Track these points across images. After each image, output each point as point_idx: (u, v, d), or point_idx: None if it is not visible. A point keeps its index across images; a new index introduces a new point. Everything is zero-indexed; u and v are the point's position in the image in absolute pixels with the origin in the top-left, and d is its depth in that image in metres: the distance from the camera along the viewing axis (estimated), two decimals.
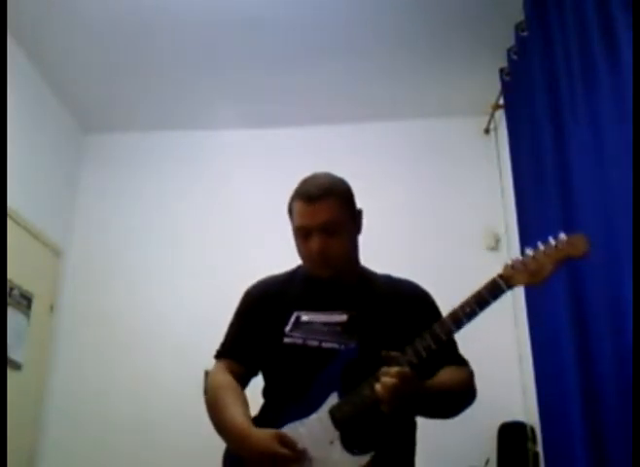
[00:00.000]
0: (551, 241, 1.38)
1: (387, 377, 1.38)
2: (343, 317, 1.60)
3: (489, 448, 3.07)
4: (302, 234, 1.64)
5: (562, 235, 1.38)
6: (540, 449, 2.79)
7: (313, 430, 1.48)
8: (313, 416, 1.49)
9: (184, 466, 3.26)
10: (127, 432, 3.45)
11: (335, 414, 1.47)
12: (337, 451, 1.45)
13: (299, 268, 1.77)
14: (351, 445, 1.46)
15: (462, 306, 1.42)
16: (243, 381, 1.65)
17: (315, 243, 1.60)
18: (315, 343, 1.58)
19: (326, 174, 1.72)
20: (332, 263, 1.62)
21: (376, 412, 1.42)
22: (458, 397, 1.59)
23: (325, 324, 1.60)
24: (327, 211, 1.60)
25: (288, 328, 1.61)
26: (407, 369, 1.39)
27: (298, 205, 1.65)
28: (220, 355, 1.70)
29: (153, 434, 3.43)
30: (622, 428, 1.85)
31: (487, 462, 3.04)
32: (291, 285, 1.73)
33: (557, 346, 2.39)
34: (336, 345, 1.56)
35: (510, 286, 1.40)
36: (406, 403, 1.40)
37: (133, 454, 3.39)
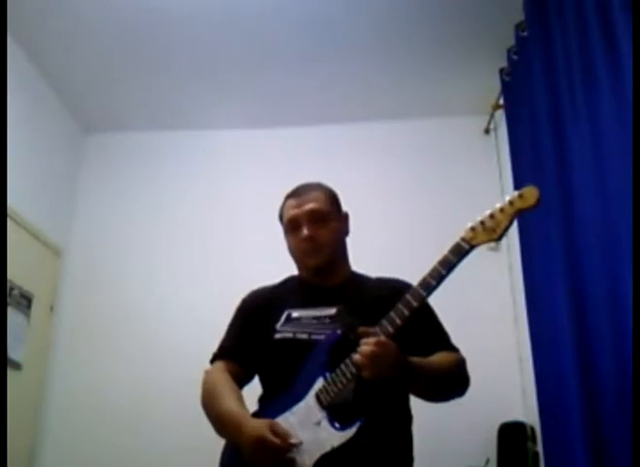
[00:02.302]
0: (506, 199, 1.48)
1: (365, 346, 1.41)
2: (332, 311, 1.64)
3: (489, 448, 3.07)
4: (292, 228, 1.73)
5: (514, 192, 1.48)
6: (540, 448, 2.79)
7: (301, 416, 1.49)
8: (301, 404, 1.51)
9: (183, 465, 3.26)
10: (128, 432, 3.45)
11: (320, 396, 1.49)
12: (325, 430, 1.46)
13: (291, 277, 1.84)
14: (340, 421, 1.46)
15: (430, 272, 1.49)
16: (239, 381, 1.66)
17: (304, 231, 1.69)
18: (305, 336, 1.61)
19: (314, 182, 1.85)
20: (321, 250, 1.69)
21: (359, 384, 1.45)
22: (446, 377, 1.60)
23: (315, 318, 1.64)
24: (313, 201, 1.73)
25: (279, 324, 1.65)
26: (383, 337, 1.42)
27: (287, 202, 1.79)
28: (216, 358, 1.73)
29: (153, 434, 3.42)
30: (623, 428, 1.85)
31: (487, 462, 3.04)
32: (283, 290, 1.79)
33: (557, 346, 2.39)
34: (324, 337, 1.58)
35: (472, 246, 1.49)
36: (385, 369, 1.41)
37: (134, 454, 3.38)
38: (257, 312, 1.74)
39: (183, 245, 3.84)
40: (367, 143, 3.95)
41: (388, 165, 3.88)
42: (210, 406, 1.59)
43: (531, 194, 1.47)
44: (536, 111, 2.72)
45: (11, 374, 3.14)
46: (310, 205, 1.72)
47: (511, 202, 1.47)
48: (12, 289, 3.25)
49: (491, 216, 1.49)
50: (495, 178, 3.69)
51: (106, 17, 3.20)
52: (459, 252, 1.48)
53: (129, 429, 3.46)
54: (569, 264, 2.33)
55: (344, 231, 1.81)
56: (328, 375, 1.50)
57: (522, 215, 1.51)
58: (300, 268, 1.80)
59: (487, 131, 3.85)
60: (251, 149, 4.03)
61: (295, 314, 1.66)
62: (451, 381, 1.61)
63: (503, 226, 1.48)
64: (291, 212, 1.74)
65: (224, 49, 3.41)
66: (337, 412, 1.47)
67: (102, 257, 3.88)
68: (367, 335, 1.44)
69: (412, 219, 3.73)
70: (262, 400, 1.68)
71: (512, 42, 3.06)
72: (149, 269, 3.82)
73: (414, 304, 1.45)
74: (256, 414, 1.55)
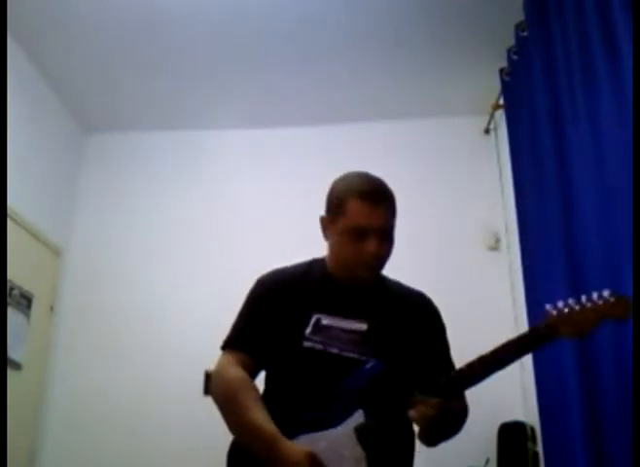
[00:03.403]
0: (596, 297, 1.36)
1: (426, 408, 1.37)
2: (363, 326, 1.57)
3: (489, 448, 3.07)
4: (354, 234, 1.58)
5: (607, 292, 1.35)
6: (540, 448, 2.79)
7: (338, 446, 1.44)
8: (337, 431, 1.45)
9: (184, 466, 3.26)
10: (127, 432, 3.45)
11: (361, 434, 1.44)
12: None
13: (314, 262, 1.72)
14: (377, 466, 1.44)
15: (504, 346, 1.39)
16: (252, 376, 1.59)
17: (371, 246, 1.56)
18: (335, 351, 1.54)
19: (371, 175, 1.70)
20: (378, 267, 1.62)
21: (406, 436, 1.44)
22: (461, 425, 1.60)
23: (344, 331, 1.57)
24: (386, 215, 1.61)
25: (308, 330, 1.57)
26: (443, 401, 1.38)
27: (355, 204, 1.59)
28: (229, 346, 1.63)
29: (153, 434, 3.42)
30: (622, 428, 1.85)
31: (487, 462, 3.04)
32: (307, 282, 1.66)
33: (557, 346, 2.39)
34: (356, 355, 1.54)
35: (556, 336, 1.38)
36: (441, 432, 1.42)
37: (133, 455, 3.38)
38: (277, 303, 1.62)
39: (183, 245, 3.84)
40: (367, 143, 3.94)
41: (388, 165, 3.83)
42: (231, 410, 1.51)
43: (626, 305, 1.35)
44: (536, 111, 2.72)
45: (11, 374, 3.14)
46: (383, 221, 1.60)
47: (605, 305, 1.35)
48: (12, 289, 3.25)
49: (581, 311, 1.36)
50: (495, 178, 3.69)
51: (106, 17, 3.20)
52: (539, 341, 1.40)
53: (129, 429, 3.46)
54: (569, 263, 2.33)
55: None
56: (369, 409, 1.45)
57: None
58: (341, 268, 1.65)
59: (487, 131, 3.85)
60: (251, 149, 4.02)
61: (324, 322, 1.57)
62: (460, 430, 1.61)
63: (591, 326, 1.36)
64: (361, 221, 1.57)
65: (224, 49, 3.41)
66: (376, 456, 1.43)
67: (102, 257, 3.88)
68: (425, 389, 1.40)
69: (412, 219, 3.71)
70: (281, 403, 1.59)
71: (512, 42, 3.06)
72: (149, 268, 3.82)
73: (482, 375, 1.40)
74: (279, 420, 1.46)
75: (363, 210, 1.58)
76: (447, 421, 1.41)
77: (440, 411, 1.37)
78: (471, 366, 1.41)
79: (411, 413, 1.38)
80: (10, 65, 3.20)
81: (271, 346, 1.60)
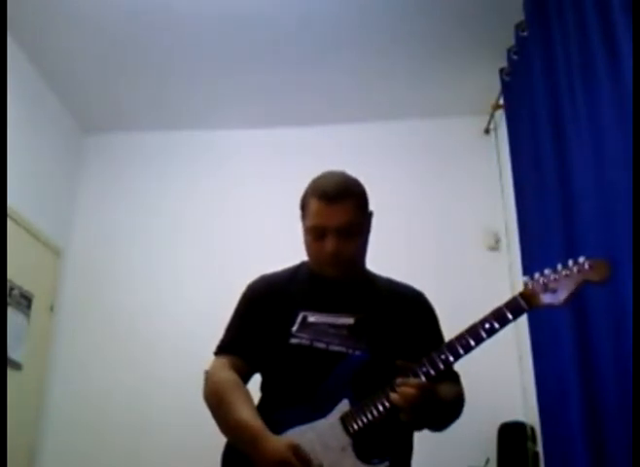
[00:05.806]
0: (571, 264, 1.35)
1: (407, 388, 1.38)
2: (350, 320, 1.59)
3: (489, 448, 3.07)
4: (314, 233, 1.60)
5: (582, 259, 1.35)
6: (540, 448, 2.80)
7: (324, 436, 1.46)
8: (323, 422, 1.48)
9: (184, 466, 3.26)
10: (128, 432, 3.45)
11: (347, 421, 1.46)
12: (350, 459, 1.43)
13: (302, 264, 1.75)
14: (363, 453, 1.44)
15: (481, 322, 1.40)
16: (245, 378, 1.62)
17: (329, 245, 1.57)
18: (322, 346, 1.56)
19: (342, 173, 1.69)
20: (342, 265, 1.60)
21: (391, 421, 1.42)
22: (456, 412, 1.60)
23: (331, 326, 1.58)
24: (344, 213, 1.57)
25: (295, 328, 1.59)
26: (425, 381, 1.39)
27: (314, 204, 1.60)
28: (221, 351, 1.67)
29: (153, 434, 3.43)
30: (622, 428, 1.85)
31: (487, 462, 3.04)
32: (295, 283, 1.70)
33: (557, 346, 2.39)
34: (343, 349, 1.55)
35: (531, 306, 1.37)
36: (424, 414, 1.40)
37: (134, 454, 3.39)
38: (266, 306, 1.65)
39: (184, 245, 3.84)
40: (367, 143, 3.95)
41: (388, 166, 3.88)
42: (220, 409, 1.53)
43: (603, 268, 1.33)
44: (536, 111, 2.72)
45: (11, 374, 3.14)
46: (340, 219, 1.56)
47: (579, 270, 1.34)
48: (12, 289, 3.25)
49: (554, 278, 1.36)
50: (495, 178, 3.69)
51: (106, 17, 3.20)
52: (516, 311, 1.38)
53: (130, 429, 3.46)
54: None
55: (368, 235, 1.68)
56: (356, 400, 1.47)
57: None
58: (313, 267, 1.68)
59: (487, 131, 3.85)
60: (251, 149, 4.03)
61: (311, 319, 1.59)
62: (456, 416, 1.60)
63: (568, 294, 1.35)
64: (317, 221, 1.58)
65: (224, 49, 3.41)
66: (362, 442, 1.45)
67: (102, 257, 3.88)
68: (405, 370, 1.42)
69: (412, 219, 3.73)
70: (267, 393, 1.64)
71: (512, 42, 3.06)
72: (150, 269, 3.82)
73: (462, 351, 1.41)
74: (266, 421, 1.47)
75: (319, 210, 1.59)
76: (433, 403, 1.40)
77: (421, 390, 1.37)
78: (449, 345, 1.42)
79: (393, 396, 1.39)
80: (10, 66, 3.20)
81: (262, 347, 1.62)
